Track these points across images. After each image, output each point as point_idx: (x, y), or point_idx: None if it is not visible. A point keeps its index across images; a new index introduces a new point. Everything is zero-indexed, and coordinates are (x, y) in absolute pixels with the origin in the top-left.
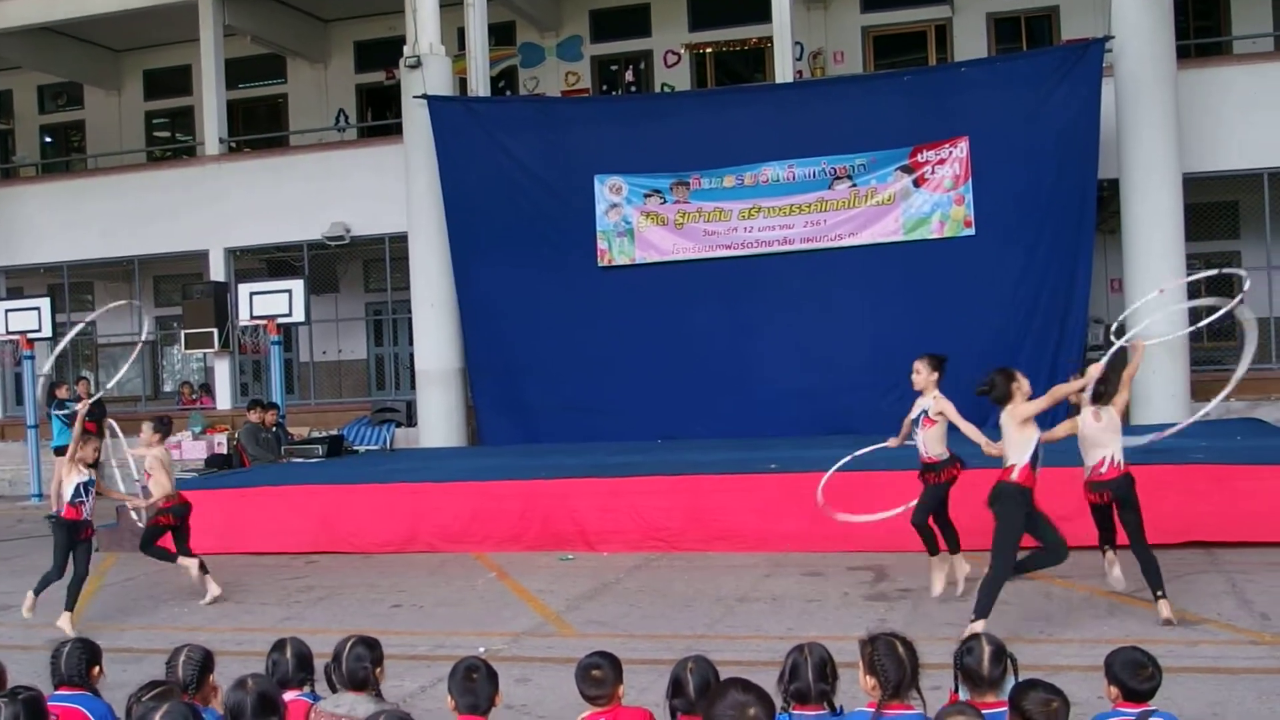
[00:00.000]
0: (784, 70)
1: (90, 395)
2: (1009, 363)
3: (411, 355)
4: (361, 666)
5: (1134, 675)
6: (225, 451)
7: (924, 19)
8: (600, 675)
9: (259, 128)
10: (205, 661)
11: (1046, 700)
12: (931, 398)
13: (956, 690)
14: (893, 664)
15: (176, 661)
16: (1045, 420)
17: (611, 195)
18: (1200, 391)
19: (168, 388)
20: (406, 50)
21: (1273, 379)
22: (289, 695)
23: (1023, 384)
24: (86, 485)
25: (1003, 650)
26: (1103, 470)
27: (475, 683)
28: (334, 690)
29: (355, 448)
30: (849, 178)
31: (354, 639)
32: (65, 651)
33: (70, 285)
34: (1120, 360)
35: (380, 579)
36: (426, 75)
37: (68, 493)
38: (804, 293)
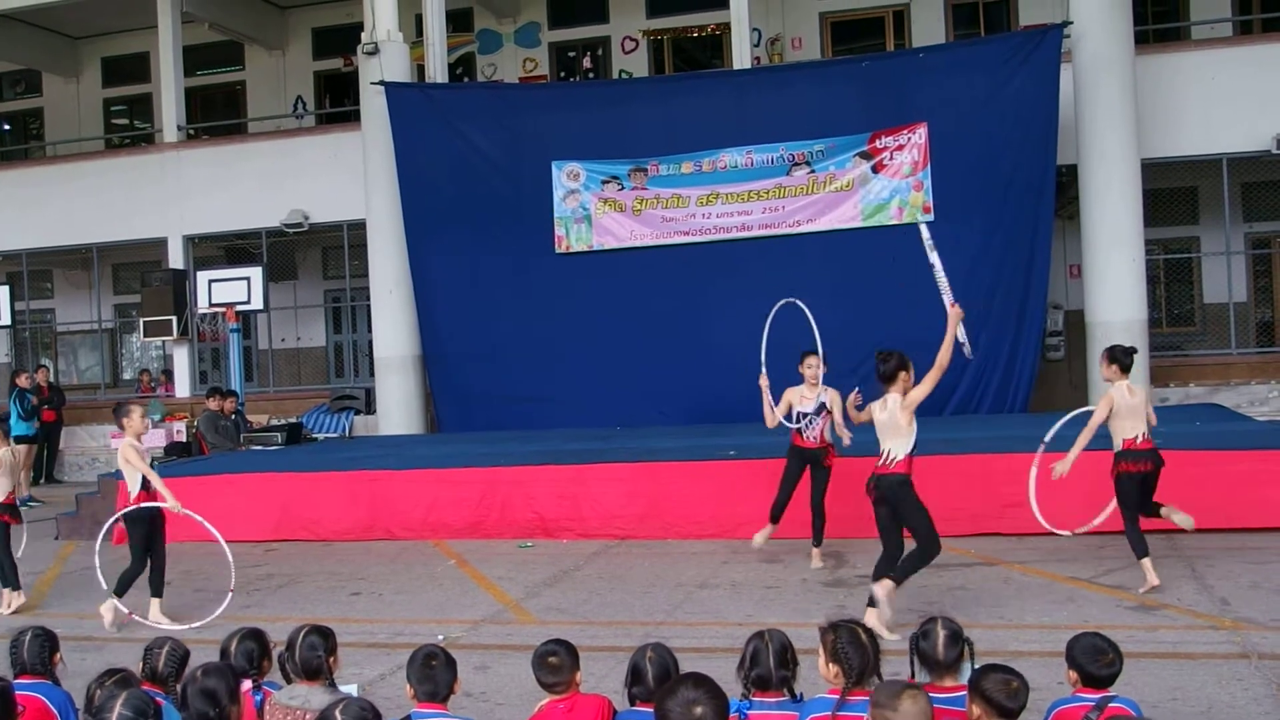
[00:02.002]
0: (742, 56)
1: (49, 383)
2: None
3: (370, 342)
4: (315, 656)
5: (1094, 661)
6: (184, 439)
7: (882, 5)
8: (556, 662)
9: (217, 115)
10: (186, 658)
11: (1006, 681)
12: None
13: (914, 675)
14: (856, 652)
15: (159, 653)
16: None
17: (569, 182)
18: (1159, 377)
19: (127, 375)
20: (364, 37)
21: (1233, 364)
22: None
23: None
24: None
25: (959, 634)
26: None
27: (434, 670)
28: (289, 680)
29: (314, 435)
30: (807, 164)
31: (308, 628)
32: (27, 640)
33: (29, 273)
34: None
35: (340, 567)
36: (384, 62)
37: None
38: (762, 279)
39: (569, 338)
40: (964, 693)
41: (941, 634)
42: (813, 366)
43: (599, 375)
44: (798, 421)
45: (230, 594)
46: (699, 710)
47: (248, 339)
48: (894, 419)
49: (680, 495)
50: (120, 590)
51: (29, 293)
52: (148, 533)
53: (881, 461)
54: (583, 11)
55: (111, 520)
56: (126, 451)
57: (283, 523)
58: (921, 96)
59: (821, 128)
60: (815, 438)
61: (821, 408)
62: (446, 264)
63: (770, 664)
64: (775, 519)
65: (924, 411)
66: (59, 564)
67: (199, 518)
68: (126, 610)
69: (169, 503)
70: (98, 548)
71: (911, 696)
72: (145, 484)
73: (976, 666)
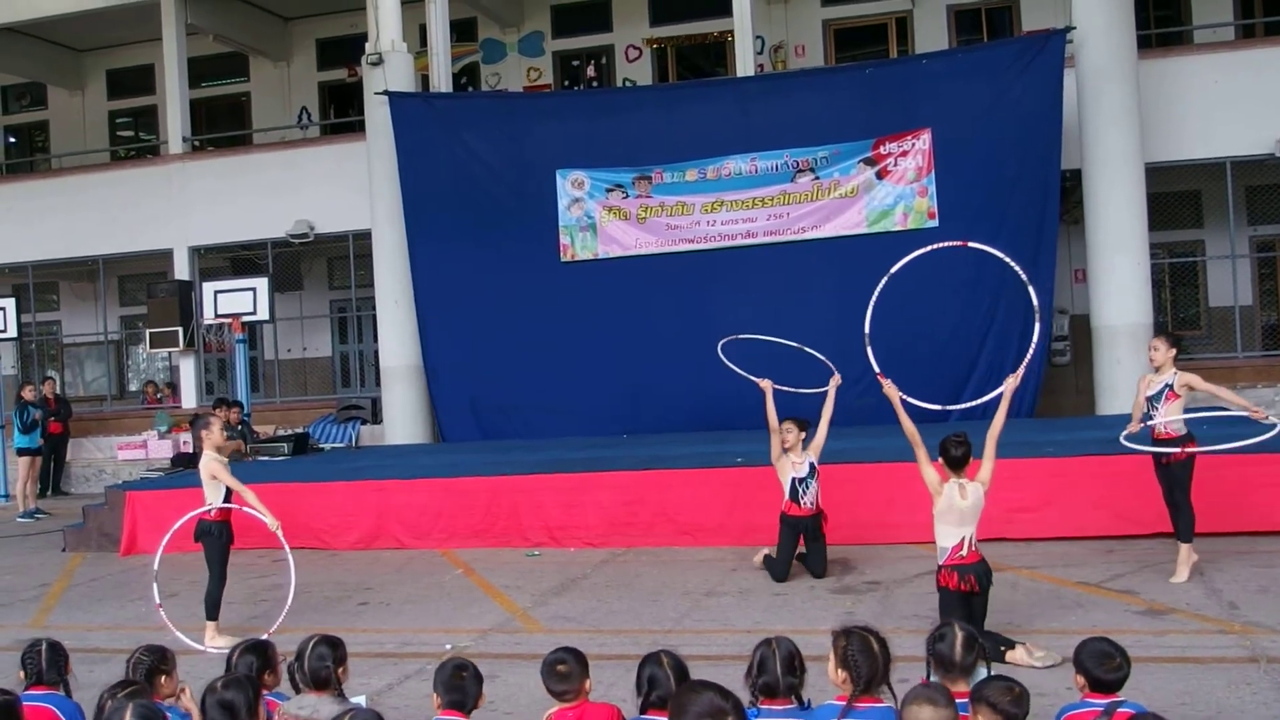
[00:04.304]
0: (745, 64)
1: (56, 395)
2: (974, 355)
3: (376, 352)
4: (324, 666)
5: (1101, 665)
6: (191, 450)
7: (884, 11)
8: (566, 670)
9: (222, 126)
10: (155, 663)
11: (1009, 688)
12: (1172, 373)
13: (928, 677)
14: (866, 659)
15: (130, 661)
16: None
17: (573, 190)
18: None
19: (133, 387)
20: (368, 47)
21: (1239, 367)
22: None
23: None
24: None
25: (974, 639)
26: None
27: (464, 682)
28: (297, 690)
29: (320, 445)
30: (812, 170)
31: (316, 638)
32: (42, 650)
33: (35, 285)
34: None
35: (347, 576)
36: (388, 72)
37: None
38: (767, 286)
39: (574, 346)
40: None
41: (959, 637)
42: (791, 431)
43: (605, 383)
44: (795, 489)
45: (288, 605)
46: None
47: (254, 350)
48: (978, 503)
49: (687, 503)
50: (213, 615)
51: (35, 305)
52: (226, 548)
53: (966, 550)
54: (586, 20)
55: (173, 529)
56: (211, 466)
57: (289, 533)
58: (925, 103)
59: (825, 134)
60: (812, 502)
61: (813, 469)
62: (450, 273)
63: (778, 671)
64: (781, 580)
65: (930, 417)
66: (66, 577)
67: (280, 534)
68: (159, 601)
69: (267, 520)
70: (157, 561)
71: (933, 710)
72: (225, 498)
73: (990, 674)
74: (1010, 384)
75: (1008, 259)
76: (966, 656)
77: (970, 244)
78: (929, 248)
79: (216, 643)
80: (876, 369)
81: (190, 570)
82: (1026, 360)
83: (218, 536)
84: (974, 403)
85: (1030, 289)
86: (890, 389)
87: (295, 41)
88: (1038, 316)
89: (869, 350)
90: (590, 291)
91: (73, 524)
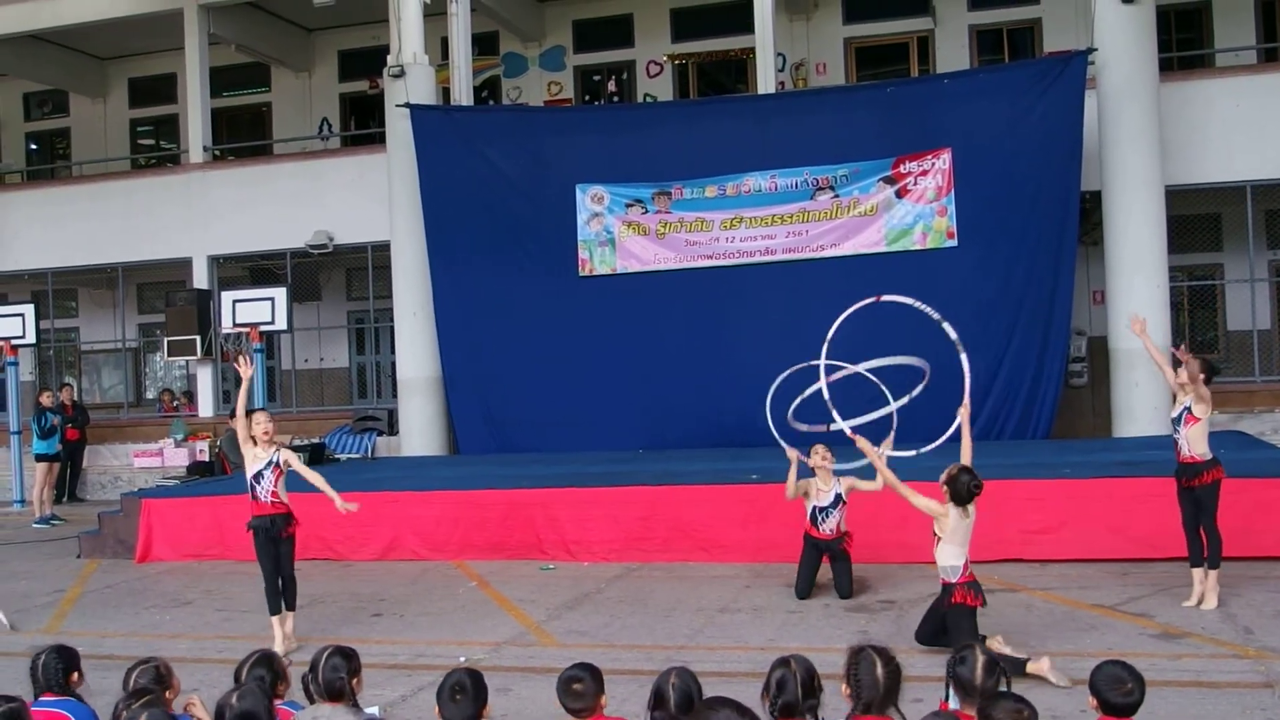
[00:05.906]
0: (766, 81)
1: (74, 402)
2: (991, 375)
3: (393, 364)
4: (338, 677)
5: (1112, 689)
6: (207, 459)
7: (906, 30)
8: (581, 688)
9: (243, 136)
10: (150, 682)
11: (1018, 710)
12: (1192, 395)
13: (947, 699)
14: (867, 681)
15: (129, 676)
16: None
17: (593, 205)
18: None
19: (150, 394)
20: (390, 59)
21: (1256, 392)
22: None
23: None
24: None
25: (995, 662)
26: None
27: (459, 703)
28: (311, 701)
29: (337, 456)
30: (831, 188)
31: (331, 649)
32: (43, 659)
33: (54, 292)
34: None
35: (361, 587)
36: (410, 84)
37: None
38: (785, 303)
39: (591, 360)
40: None
41: (980, 660)
42: (820, 453)
43: (621, 398)
44: (814, 516)
45: None
46: None
47: (271, 359)
48: (972, 522)
49: (702, 519)
50: (275, 609)
51: (54, 311)
52: (267, 546)
53: (967, 572)
54: (608, 35)
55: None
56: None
57: (305, 543)
58: (946, 122)
59: (845, 152)
60: (832, 530)
61: (839, 500)
62: (469, 286)
63: (798, 692)
64: (802, 597)
65: (934, 436)
66: (80, 583)
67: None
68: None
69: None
70: None
71: None
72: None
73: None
74: (963, 414)
75: (921, 305)
76: (988, 680)
77: (884, 298)
78: (853, 308)
79: (279, 643)
80: (847, 429)
81: (205, 579)
82: (968, 389)
83: (259, 533)
84: (941, 440)
85: (945, 326)
86: (863, 445)
87: (317, 52)
88: (960, 349)
89: (831, 409)
90: (608, 306)
91: (88, 530)
